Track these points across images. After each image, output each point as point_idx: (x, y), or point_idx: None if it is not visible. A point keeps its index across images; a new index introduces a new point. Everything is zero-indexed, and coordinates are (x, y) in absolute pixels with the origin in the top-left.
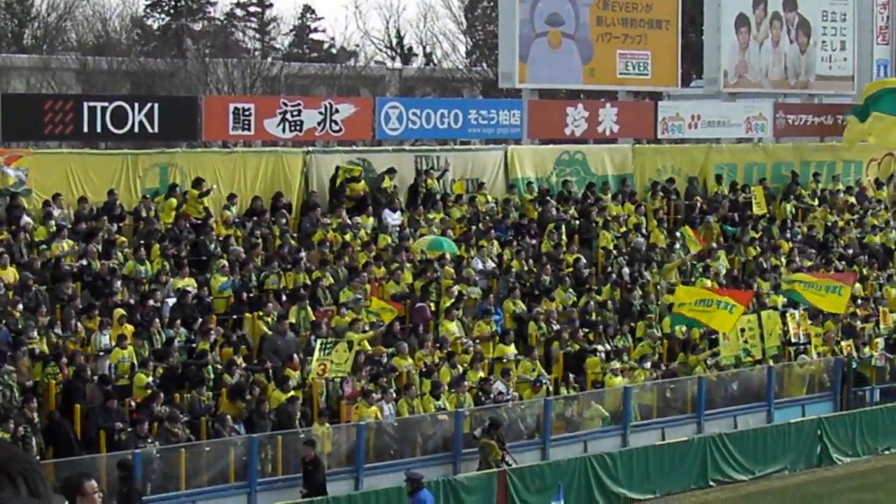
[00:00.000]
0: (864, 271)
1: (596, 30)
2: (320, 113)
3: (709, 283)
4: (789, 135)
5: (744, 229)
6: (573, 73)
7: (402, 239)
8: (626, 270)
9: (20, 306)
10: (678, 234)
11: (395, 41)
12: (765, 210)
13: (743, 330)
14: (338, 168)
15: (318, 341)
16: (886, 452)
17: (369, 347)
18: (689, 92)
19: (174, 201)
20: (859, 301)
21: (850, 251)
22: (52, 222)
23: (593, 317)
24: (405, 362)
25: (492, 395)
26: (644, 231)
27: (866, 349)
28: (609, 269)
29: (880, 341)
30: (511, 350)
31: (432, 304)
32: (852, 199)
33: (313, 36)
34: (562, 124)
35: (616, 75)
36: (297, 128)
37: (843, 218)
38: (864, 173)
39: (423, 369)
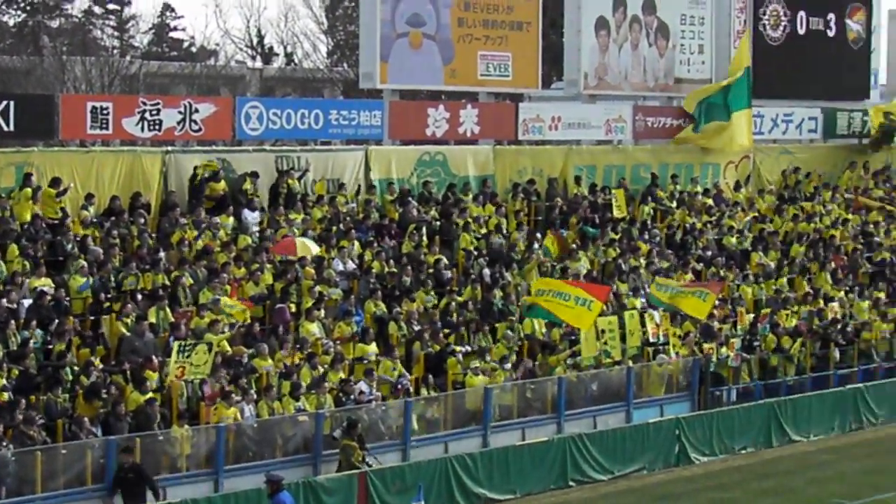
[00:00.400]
0: (722, 272)
1: (457, 31)
2: (180, 112)
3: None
4: (648, 137)
5: (603, 231)
6: (434, 74)
7: (262, 239)
8: (486, 271)
9: None
10: (537, 238)
11: (255, 40)
12: (625, 213)
13: (603, 331)
14: (196, 168)
15: (177, 343)
16: (742, 452)
17: (229, 348)
18: (549, 94)
19: (29, 199)
20: (717, 302)
21: (709, 253)
22: None
23: (454, 318)
24: (265, 363)
25: (353, 396)
26: (505, 232)
27: (723, 350)
28: (470, 269)
29: (736, 342)
30: (372, 349)
31: (293, 305)
32: (710, 202)
33: (173, 34)
34: (423, 125)
35: (477, 76)
36: (156, 127)
37: (701, 220)
38: (721, 176)
39: (284, 370)
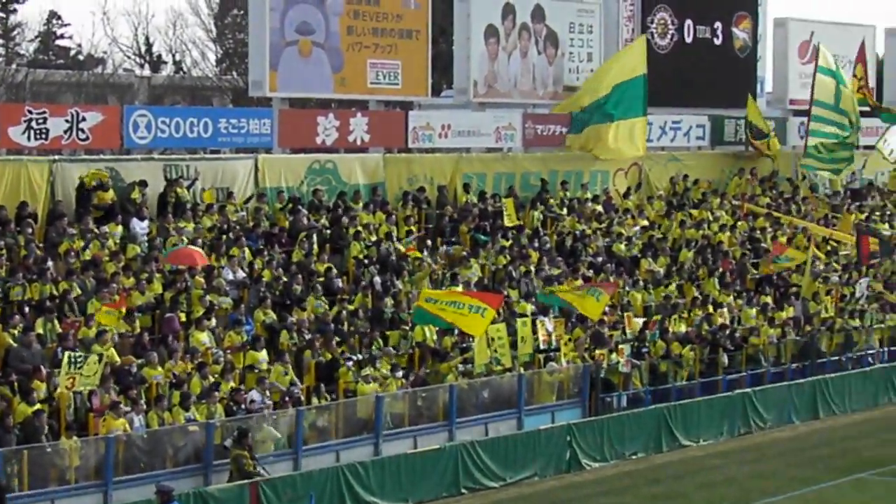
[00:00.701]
0: (612, 279)
1: (346, 39)
2: (67, 121)
3: (459, 289)
4: (538, 145)
5: (494, 238)
6: (324, 83)
7: (151, 248)
8: (377, 279)
9: None
10: (427, 245)
11: (143, 48)
12: (515, 221)
13: (493, 339)
14: (83, 177)
15: (66, 355)
16: (633, 457)
17: (118, 358)
18: (439, 101)
19: None
20: (607, 308)
21: (598, 259)
22: None
23: (345, 326)
24: (155, 373)
25: (244, 406)
26: (395, 239)
27: (613, 356)
28: (360, 277)
29: (626, 347)
30: (263, 355)
31: (182, 315)
32: (599, 208)
33: (60, 42)
34: (313, 133)
35: (367, 85)
36: (43, 136)
37: (591, 226)
38: (611, 182)
39: (174, 380)
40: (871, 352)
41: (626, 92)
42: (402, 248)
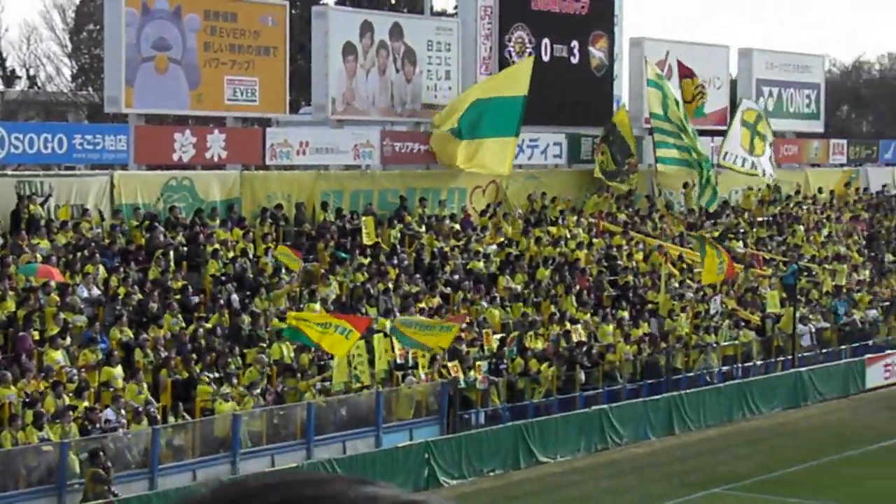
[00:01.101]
0: (470, 296)
1: (203, 55)
2: None
3: (317, 306)
4: (396, 162)
5: (353, 255)
6: (180, 99)
7: (3, 265)
8: (234, 297)
9: None
10: (273, 256)
11: None
12: (374, 240)
13: (352, 356)
14: None
15: None
16: (491, 474)
17: None
18: (297, 119)
19: None
20: (464, 325)
21: (456, 276)
22: None
23: (202, 343)
24: (8, 392)
25: (99, 425)
26: (252, 257)
27: (471, 373)
28: (218, 295)
29: (484, 365)
30: (118, 372)
31: (36, 333)
32: (457, 226)
33: None
34: (169, 150)
35: (224, 101)
36: None
37: (449, 244)
38: (468, 200)
39: (27, 399)
40: (709, 371)
41: (505, 110)
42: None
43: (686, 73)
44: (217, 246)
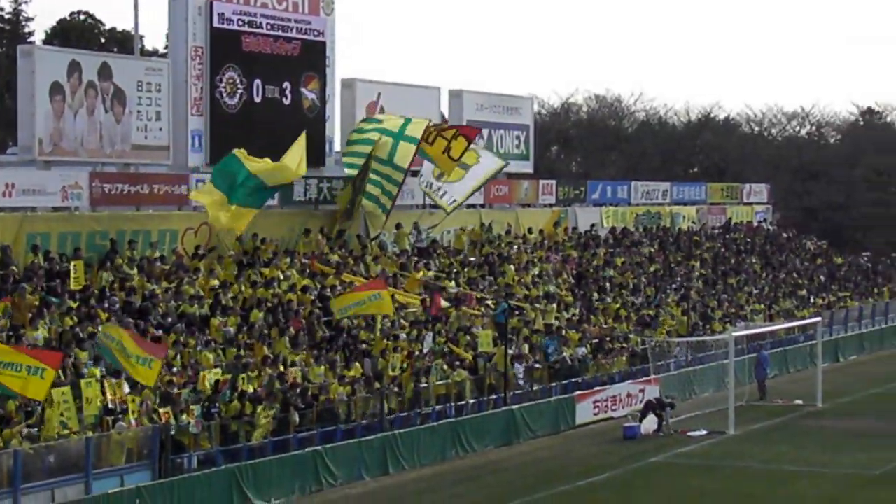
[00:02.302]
0: (182, 338)
1: None
2: None
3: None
4: (106, 203)
5: (63, 299)
6: None
7: None
8: None
9: None
10: None
11: None
12: (83, 283)
13: (59, 403)
14: None
15: None
16: None
17: None
18: (4, 159)
19: None
20: (175, 369)
21: (168, 319)
22: None
23: None
24: None
25: None
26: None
27: (183, 416)
28: None
29: (196, 408)
30: None
31: None
32: (168, 268)
33: None
34: None
35: None
36: None
37: (161, 286)
38: (180, 242)
39: None
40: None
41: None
42: None
43: (467, 134)
44: None
